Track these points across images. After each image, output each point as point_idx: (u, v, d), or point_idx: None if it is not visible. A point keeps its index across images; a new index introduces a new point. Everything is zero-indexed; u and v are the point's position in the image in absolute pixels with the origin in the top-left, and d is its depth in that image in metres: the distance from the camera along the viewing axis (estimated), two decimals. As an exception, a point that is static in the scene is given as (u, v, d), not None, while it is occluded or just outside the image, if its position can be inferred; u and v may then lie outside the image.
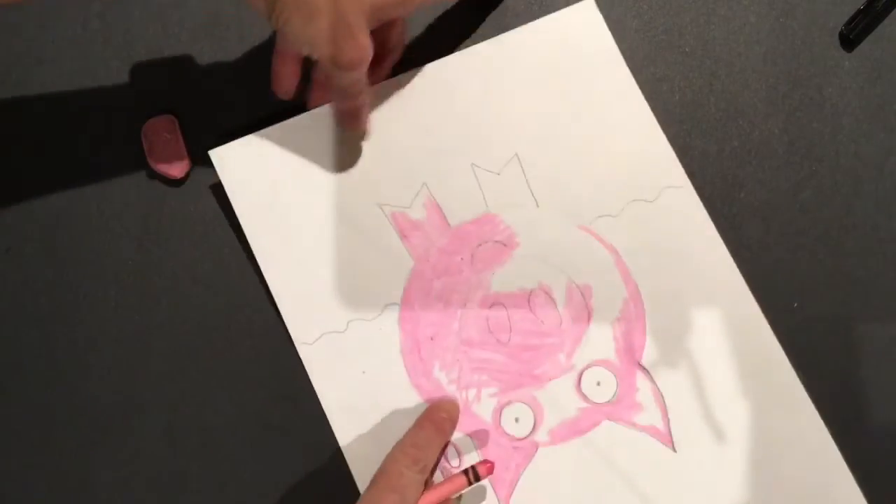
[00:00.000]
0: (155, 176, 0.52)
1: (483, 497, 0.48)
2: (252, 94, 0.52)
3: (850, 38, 0.51)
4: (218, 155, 0.50)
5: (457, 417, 0.48)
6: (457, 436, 0.48)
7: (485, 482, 0.47)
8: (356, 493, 0.48)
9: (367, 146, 0.50)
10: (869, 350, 0.48)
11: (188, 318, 0.51)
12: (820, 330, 0.49)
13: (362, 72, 0.44)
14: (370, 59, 0.44)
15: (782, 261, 0.50)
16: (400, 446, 0.44)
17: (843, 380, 0.48)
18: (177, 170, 0.51)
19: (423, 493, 0.43)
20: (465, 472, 0.45)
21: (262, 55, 0.52)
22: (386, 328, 0.49)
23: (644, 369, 0.48)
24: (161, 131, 0.51)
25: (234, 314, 0.51)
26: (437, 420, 0.46)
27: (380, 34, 0.46)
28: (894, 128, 0.50)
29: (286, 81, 0.48)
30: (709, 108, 0.51)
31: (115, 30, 0.52)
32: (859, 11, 0.51)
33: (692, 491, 0.47)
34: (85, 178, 0.52)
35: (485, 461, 0.45)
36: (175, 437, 0.50)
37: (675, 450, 0.48)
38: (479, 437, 0.48)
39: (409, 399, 0.49)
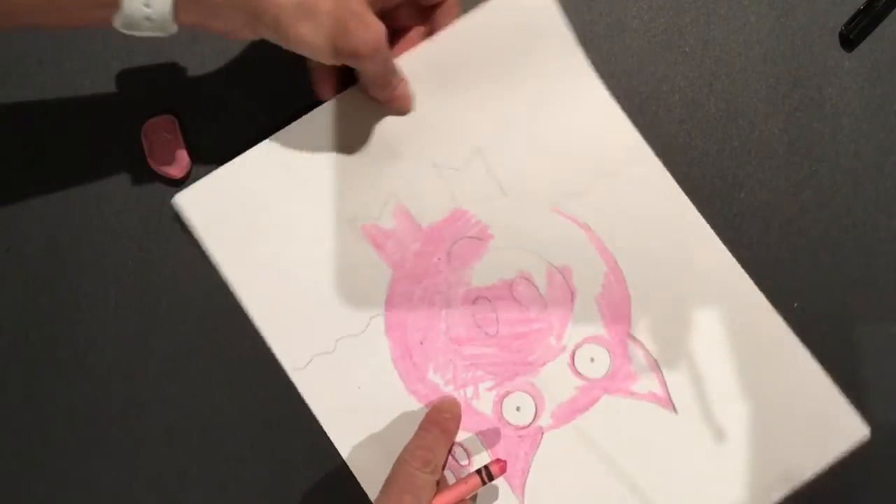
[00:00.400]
0: (155, 176, 0.52)
1: (497, 491, 0.48)
2: (251, 94, 0.52)
3: (850, 38, 0.51)
4: (182, 200, 0.49)
5: (459, 415, 0.48)
6: (462, 435, 0.48)
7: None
8: (358, 492, 0.48)
9: (329, 164, 0.50)
10: (869, 350, 0.48)
11: (188, 318, 0.51)
12: (820, 330, 0.49)
13: (385, 55, 0.44)
14: (386, 41, 0.44)
15: (782, 261, 0.50)
16: (408, 450, 0.44)
17: (843, 380, 0.48)
18: (177, 170, 0.51)
19: (437, 494, 0.43)
20: (479, 471, 0.45)
21: (262, 55, 0.52)
22: (374, 340, 0.49)
23: (634, 339, 0.48)
24: (161, 131, 0.51)
25: (233, 314, 0.51)
26: (440, 421, 0.46)
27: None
28: (894, 128, 0.50)
29: (330, 91, 0.49)
30: (709, 108, 0.51)
31: (115, 29, 0.52)
32: (859, 11, 0.51)
33: (698, 448, 0.47)
34: (85, 178, 0.52)
35: (497, 460, 0.45)
36: (175, 437, 0.50)
37: (676, 411, 0.48)
38: (484, 433, 0.48)
39: (409, 406, 0.48)
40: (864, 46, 0.51)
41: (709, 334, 0.48)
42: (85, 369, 0.50)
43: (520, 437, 0.48)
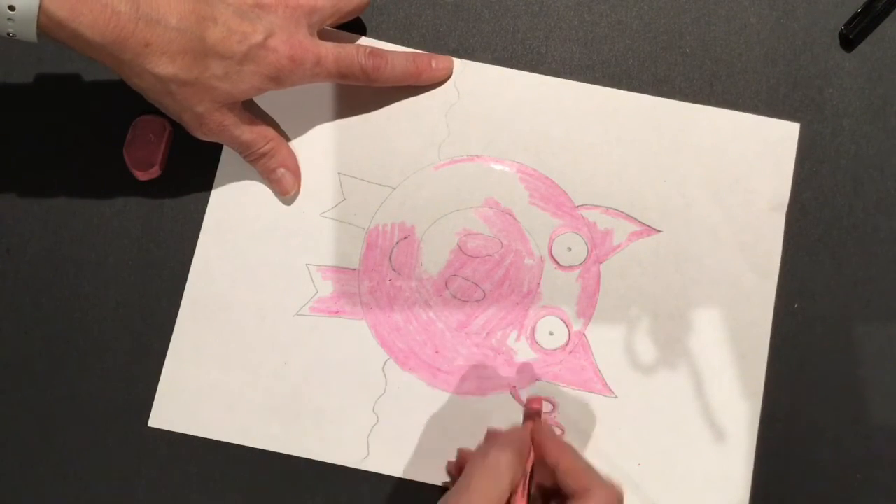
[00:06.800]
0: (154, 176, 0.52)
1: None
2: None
3: (850, 38, 0.51)
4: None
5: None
6: (529, 390, 0.48)
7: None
8: (360, 490, 0.48)
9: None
10: (869, 350, 0.49)
11: (188, 318, 0.51)
12: (820, 330, 0.49)
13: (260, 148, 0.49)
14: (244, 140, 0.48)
15: (782, 261, 0.50)
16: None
17: (843, 380, 0.48)
18: (143, 174, 0.51)
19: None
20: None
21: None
22: (401, 384, 0.49)
23: (582, 207, 0.50)
24: (147, 131, 0.51)
25: (234, 314, 0.51)
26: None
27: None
28: (894, 128, 0.50)
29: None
30: (709, 108, 0.51)
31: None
32: (859, 12, 0.51)
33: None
34: (85, 178, 0.52)
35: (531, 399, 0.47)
36: (176, 438, 0.49)
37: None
38: (543, 373, 0.49)
39: (479, 407, 0.48)
40: (864, 46, 0.51)
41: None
42: (85, 369, 0.50)
43: (570, 352, 0.49)
